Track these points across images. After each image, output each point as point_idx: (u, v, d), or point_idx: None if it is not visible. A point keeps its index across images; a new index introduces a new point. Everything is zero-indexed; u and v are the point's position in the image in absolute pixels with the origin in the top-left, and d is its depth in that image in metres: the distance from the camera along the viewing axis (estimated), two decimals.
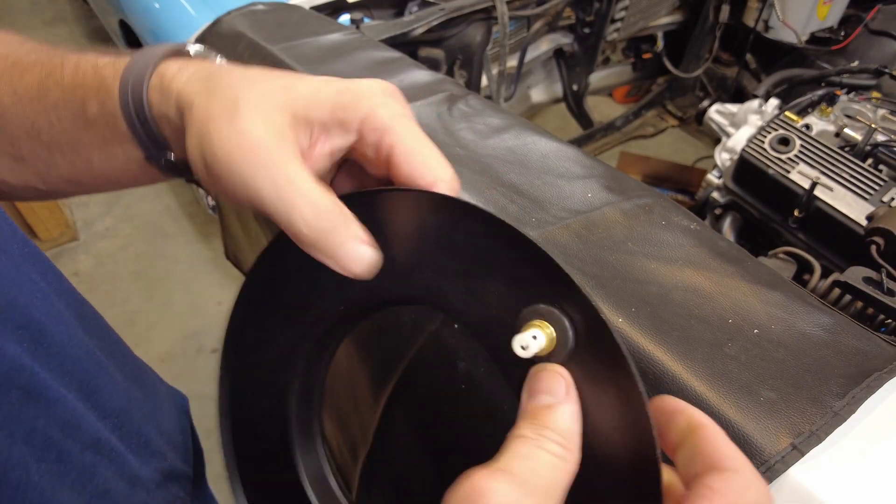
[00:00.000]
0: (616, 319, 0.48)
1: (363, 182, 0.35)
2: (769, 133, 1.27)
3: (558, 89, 2.29)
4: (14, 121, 0.36)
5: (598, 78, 2.31)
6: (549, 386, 0.27)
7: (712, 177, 1.46)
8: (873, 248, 0.93)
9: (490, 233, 0.29)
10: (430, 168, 0.31)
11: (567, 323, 0.27)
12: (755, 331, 0.47)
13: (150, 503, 0.42)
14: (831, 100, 1.38)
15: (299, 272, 0.34)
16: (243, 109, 0.30)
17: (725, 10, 2.09)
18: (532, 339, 0.27)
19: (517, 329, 0.28)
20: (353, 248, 0.30)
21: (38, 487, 0.32)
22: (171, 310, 2.13)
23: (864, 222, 1.10)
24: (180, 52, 0.36)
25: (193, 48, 0.37)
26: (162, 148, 0.36)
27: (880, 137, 1.25)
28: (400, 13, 1.48)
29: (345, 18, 1.38)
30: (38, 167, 0.38)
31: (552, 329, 0.27)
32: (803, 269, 1.10)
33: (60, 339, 0.37)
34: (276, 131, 0.30)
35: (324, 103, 0.31)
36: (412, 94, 0.80)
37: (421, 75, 0.86)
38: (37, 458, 0.33)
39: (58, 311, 0.38)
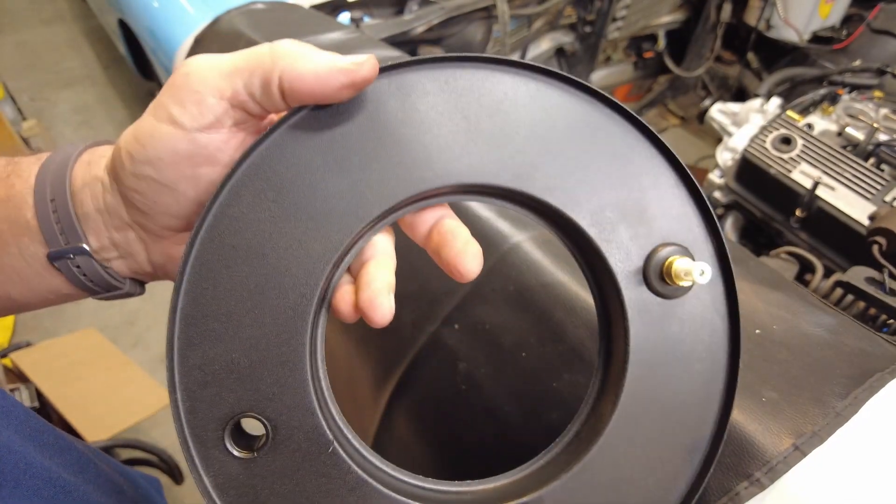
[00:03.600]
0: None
1: None
2: (771, 132, 1.27)
3: None
4: None
5: (599, 77, 2.31)
6: None
7: (714, 176, 1.46)
8: (875, 247, 0.93)
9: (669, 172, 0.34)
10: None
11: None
12: (757, 331, 0.47)
13: None
14: (833, 99, 1.38)
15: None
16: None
17: (727, 9, 2.09)
18: (708, 270, 0.31)
19: (652, 263, 0.33)
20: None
21: None
22: None
23: (866, 222, 1.10)
24: (107, 143, 0.36)
25: None
26: (73, 236, 0.32)
27: (882, 137, 1.24)
28: (400, 12, 1.48)
29: (345, 17, 1.38)
30: None
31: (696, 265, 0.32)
32: (805, 269, 1.09)
33: (15, 473, 0.36)
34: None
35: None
36: None
37: None
38: None
39: (7, 446, 0.37)
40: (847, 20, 1.93)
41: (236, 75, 0.29)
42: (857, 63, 1.62)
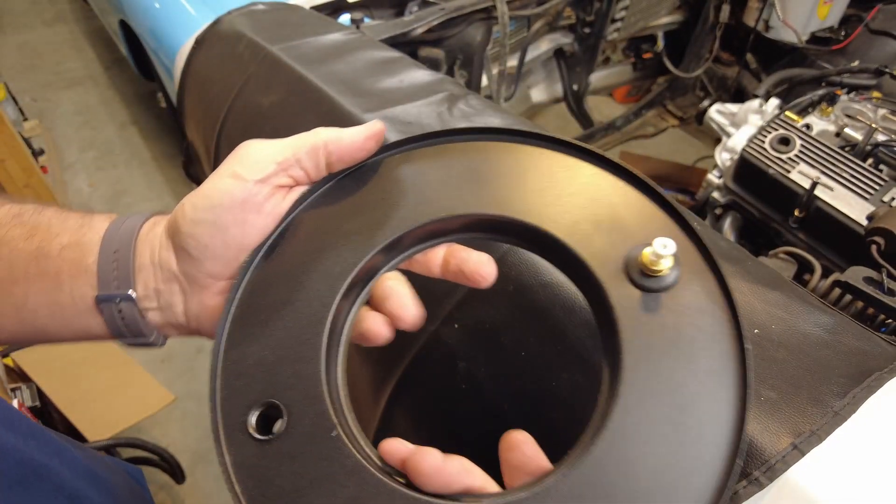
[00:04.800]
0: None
1: None
2: (769, 133, 1.27)
3: (558, 89, 2.29)
4: None
5: (598, 78, 2.31)
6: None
7: (713, 177, 1.46)
8: (874, 247, 0.93)
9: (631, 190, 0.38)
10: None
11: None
12: (755, 331, 0.47)
13: None
14: (832, 100, 1.38)
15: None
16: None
17: (726, 10, 2.09)
18: (670, 242, 0.33)
19: (629, 261, 0.35)
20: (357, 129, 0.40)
21: None
22: None
23: (864, 222, 1.10)
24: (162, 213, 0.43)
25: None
26: (124, 283, 0.39)
27: (881, 137, 1.25)
28: (400, 13, 1.48)
29: (345, 18, 1.38)
30: None
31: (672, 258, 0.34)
32: (804, 269, 1.10)
33: None
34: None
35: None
36: (412, 94, 0.80)
37: (421, 75, 0.86)
38: None
39: None
40: (845, 21, 1.93)
41: (287, 148, 0.39)
42: (856, 64, 1.63)
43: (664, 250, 0.33)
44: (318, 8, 1.33)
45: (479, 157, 0.41)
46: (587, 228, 0.37)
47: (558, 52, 2.15)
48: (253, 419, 0.34)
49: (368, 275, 0.39)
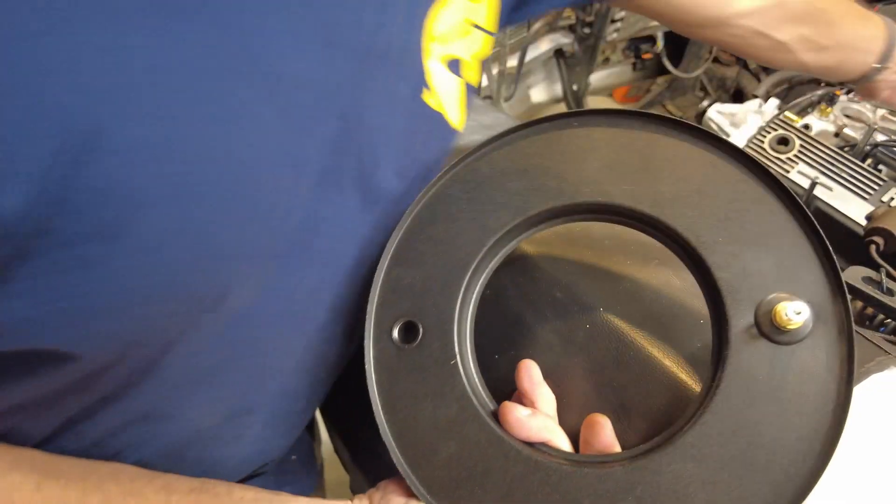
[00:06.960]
0: (612, 319, 0.48)
1: None
2: (769, 133, 1.28)
3: (558, 89, 2.29)
4: None
5: (598, 78, 2.31)
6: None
7: None
8: (873, 247, 0.93)
9: (792, 218, 0.38)
10: None
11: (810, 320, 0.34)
12: None
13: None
14: (831, 100, 1.38)
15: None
16: None
17: None
18: (805, 308, 0.33)
19: (763, 305, 0.35)
20: None
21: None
22: None
23: (863, 222, 1.10)
24: None
25: None
26: None
27: (880, 137, 1.25)
28: None
29: None
30: None
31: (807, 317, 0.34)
32: None
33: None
34: None
35: None
36: None
37: None
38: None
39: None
40: None
41: None
42: None
43: (796, 317, 0.33)
44: None
45: (651, 146, 0.41)
46: (735, 250, 0.37)
47: (558, 53, 2.15)
48: (397, 328, 0.43)
49: (511, 236, 0.44)
